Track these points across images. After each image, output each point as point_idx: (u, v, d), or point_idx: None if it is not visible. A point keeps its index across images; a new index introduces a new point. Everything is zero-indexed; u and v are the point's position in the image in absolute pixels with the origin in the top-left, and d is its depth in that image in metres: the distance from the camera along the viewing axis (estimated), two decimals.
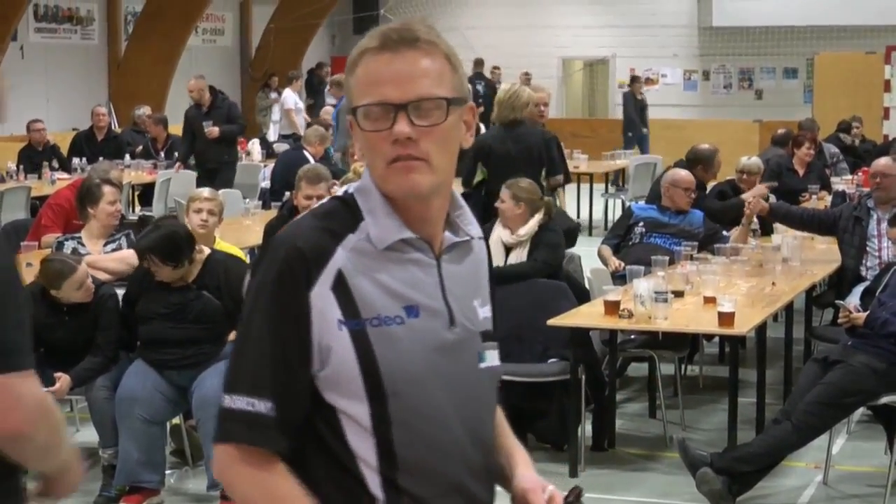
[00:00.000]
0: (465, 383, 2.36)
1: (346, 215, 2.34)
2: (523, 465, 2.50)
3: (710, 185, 10.55)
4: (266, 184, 14.49)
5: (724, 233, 9.26)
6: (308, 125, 15.74)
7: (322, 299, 2.27)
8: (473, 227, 2.46)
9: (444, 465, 2.32)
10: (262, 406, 2.25)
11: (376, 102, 2.29)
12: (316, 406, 2.29)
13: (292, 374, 2.27)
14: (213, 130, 14.29)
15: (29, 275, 7.19)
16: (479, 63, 24.11)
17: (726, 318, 6.81)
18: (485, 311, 2.45)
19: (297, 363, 2.27)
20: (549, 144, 9.69)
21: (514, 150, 9.49)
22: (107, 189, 7.96)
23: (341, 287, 2.28)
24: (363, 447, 2.29)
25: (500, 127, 9.66)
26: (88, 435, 7.32)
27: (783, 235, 9.28)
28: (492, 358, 2.43)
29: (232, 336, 5.73)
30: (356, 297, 2.28)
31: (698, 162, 10.16)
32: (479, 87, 23.33)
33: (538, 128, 9.92)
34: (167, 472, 6.83)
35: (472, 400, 2.38)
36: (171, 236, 6.67)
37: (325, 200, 2.43)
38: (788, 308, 8.21)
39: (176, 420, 7.15)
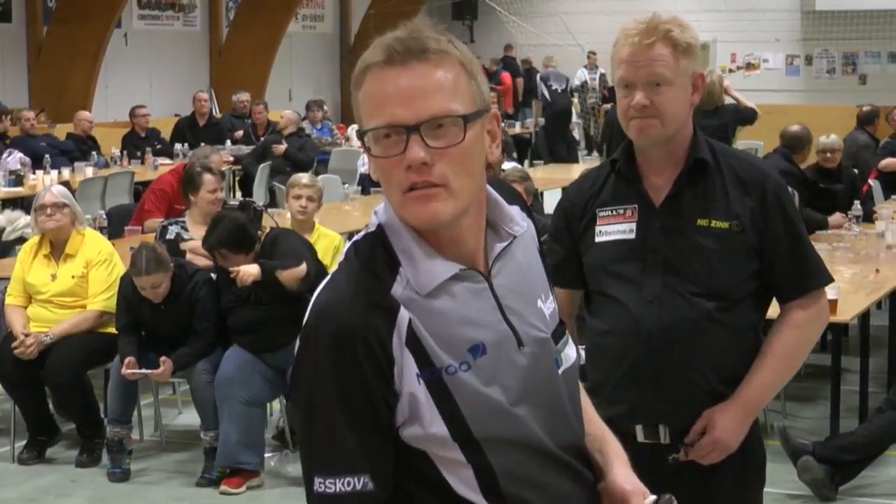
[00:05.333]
0: (548, 397, 2.21)
1: (384, 259, 2.13)
2: (619, 462, 2.34)
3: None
4: (364, 169, 14.56)
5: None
6: None
7: (402, 356, 2.10)
8: (515, 223, 2.24)
9: (550, 488, 2.20)
10: (360, 482, 2.08)
11: (385, 125, 2.05)
12: (414, 459, 2.15)
13: (377, 439, 2.10)
14: (279, 148, 14.75)
15: None
16: (590, 56, 23.98)
17: (829, 306, 6.70)
18: (550, 305, 2.27)
19: (379, 428, 2.10)
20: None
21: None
22: (207, 177, 8.03)
23: (413, 339, 2.10)
24: (468, 489, 2.15)
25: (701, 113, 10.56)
26: (190, 418, 7.43)
27: (887, 222, 9.14)
28: (567, 358, 2.28)
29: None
30: (426, 346, 2.10)
31: (798, 144, 10.08)
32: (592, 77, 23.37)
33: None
34: (267, 455, 6.90)
35: (559, 407, 2.24)
36: (235, 228, 6.73)
37: (359, 236, 2.20)
38: (893, 295, 8.09)
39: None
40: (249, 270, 6.70)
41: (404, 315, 2.10)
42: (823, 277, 3.40)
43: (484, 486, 2.15)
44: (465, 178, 2.08)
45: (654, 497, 2.28)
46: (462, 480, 2.15)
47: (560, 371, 2.25)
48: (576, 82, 23.77)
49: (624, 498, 2.28)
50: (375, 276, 2.12)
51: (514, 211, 2.27)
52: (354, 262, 2.15)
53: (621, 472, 2.32)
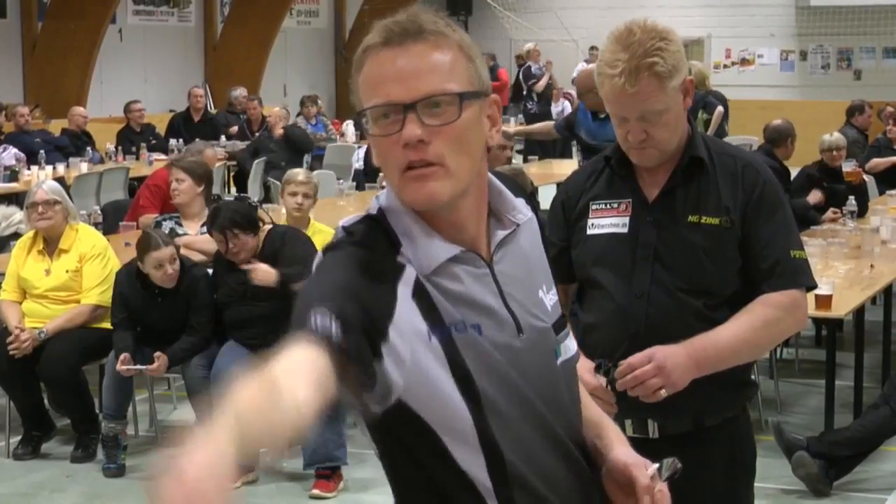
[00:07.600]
0: (546, 386, 2.21)
1: (384, 239, 2.13)
2: (619, 443, 2.36)
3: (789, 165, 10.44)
4: (359, 165, 14.56)
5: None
6: None
7: (408, 310, 2.07)
8: (518, 211, 2.25)
9: (549, 470, 2.21)
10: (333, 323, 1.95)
11: (382, 104, 2.08)
12: (422, 439, 2.13)
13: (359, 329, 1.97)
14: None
15: (127, 255, 7.30)
16: (592, 52, 23.97)
17: (824, 301, 6.73)
18: (552, 297, 2.28)
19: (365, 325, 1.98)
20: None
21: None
22: (174, 168, 8.20)
23: (422, 293, 2.09)
24: (472, 464, 2.14)
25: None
26: (185, 413, 7.42)
27: (882, 217, 9.15)
28: (567, 349, 2.28)
29: None
30: (436, 301, 2.10)
31: (779, 138, 10.07)
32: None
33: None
34: (262, 450, 6.88)
35: (557, 396, 2.24)
36: (239, 207, 6.82)
37: (354, 219, 2.18)
38: (887, 291, 8.10)
39: None
40: (267, 276, 6.73)
41: (411, 271, 2.10)
42: (806, 279, 3.31)
43: (491, 468, 2.14)
44: (462, 157, 2.10)
45: (656, 465, 2.29)
46: (470, 460, 2.13)
47: (559, 361, 2.26)
48: (574, 75, 23.76)
49: (626, 470, 2.29)
50: (377, 249, 2.12)
51: (519, 202, 2.28)
52: (349, 243, 2.13)
53: (621, 450, 2.34)
